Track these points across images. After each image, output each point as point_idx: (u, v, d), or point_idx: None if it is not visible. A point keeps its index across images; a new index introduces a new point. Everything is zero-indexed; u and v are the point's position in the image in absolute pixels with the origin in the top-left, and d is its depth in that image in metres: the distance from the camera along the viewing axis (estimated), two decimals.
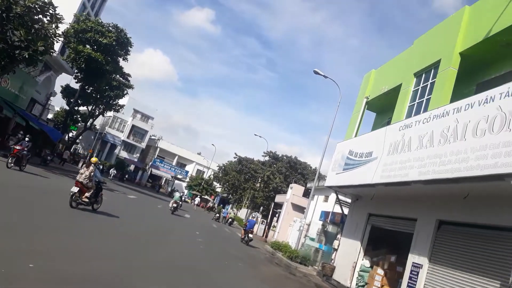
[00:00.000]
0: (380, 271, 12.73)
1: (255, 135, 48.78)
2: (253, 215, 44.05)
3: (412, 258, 10.65)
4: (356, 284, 13.58)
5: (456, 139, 8.72)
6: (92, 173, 12.02)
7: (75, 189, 11.42)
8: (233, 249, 16.82)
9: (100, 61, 31.44)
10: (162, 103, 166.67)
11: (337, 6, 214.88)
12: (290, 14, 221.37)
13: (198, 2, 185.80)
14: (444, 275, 9.46)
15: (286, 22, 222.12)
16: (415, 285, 10.08)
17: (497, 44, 10.01)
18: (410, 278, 10.38)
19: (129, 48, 34.96)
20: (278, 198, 38.58)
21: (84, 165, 12.75)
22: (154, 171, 71.39)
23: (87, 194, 11.83)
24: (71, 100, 36.56)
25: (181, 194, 31.09)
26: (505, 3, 9.52)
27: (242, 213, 53.51)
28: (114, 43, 32.77)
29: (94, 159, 12.89)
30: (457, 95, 10.84)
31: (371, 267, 13.39)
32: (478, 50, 10.58)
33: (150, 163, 71.75)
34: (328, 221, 20.26)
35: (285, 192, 37.87)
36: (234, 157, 56.56)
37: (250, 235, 21.94)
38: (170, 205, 24.79)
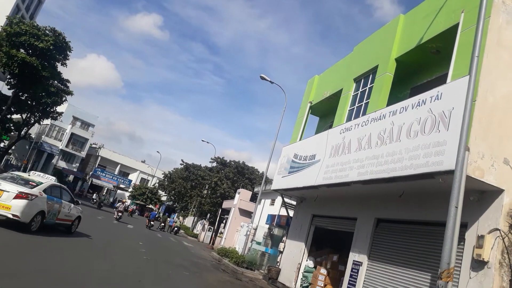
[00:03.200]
0: (323, 270, 13.02)
1: (203, 141, 48.27)
2: (200, 223, 43.43)
3: (352, 256, 11.02)
4: (301, 285, 13.77)
5: (392, 141, 9.16)
6: None
7: None
8: (178, 258, 16.37)
9: (36, 66, 29.50)
10: (105, 110, 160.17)
11: (282, 13, 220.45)
12: (236, 21, 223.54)
13: (144, 7, 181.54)
14: (382, 271, 9.87)
15: (233, 28, 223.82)
16: (356, 282, 10.44)
17: (428, 50, 10.70)
18: (351, 276, 10.73)
19: (68, 52, 33.08)
20: (226, 204, 38.36)
21: None
22: (95, 181, 68.08)
23: None
24: (3, 107, 33.84)
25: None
26: (435, 12, 10.22)
27: (189, 221, 52.53)
28: (51, 47, 30.80)
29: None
30: (393, 99, 11.42)
31: (315, 267, 13.66)
32: (412, 56, 11.24)
33: (90, 173, 68.33)
34: (274, 224, 20.43)
35: (232, 198, 37.74)
36: (181, 164, 55.56)
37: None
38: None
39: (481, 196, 7.75)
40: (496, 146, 7.55)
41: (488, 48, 7.85)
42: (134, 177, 75.65)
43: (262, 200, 27.29)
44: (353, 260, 10.90)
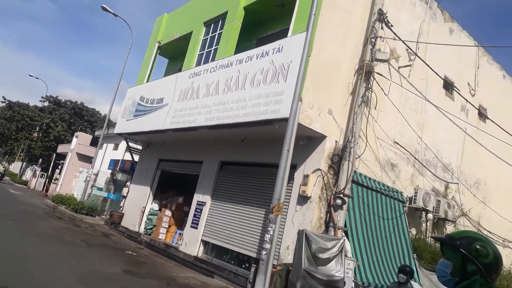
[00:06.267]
0: (168, 212, 13.32)
1: (31, 76, 41.18)
2: (31, 168, 38.66)
3: (197, 197, 11.56)
4: (145, 227, 13.85)
5: (238, 88, 9.55)
6: None
7: None
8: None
9: None
10: None
11: None
12: None
13: None
14: (223, 209, 10.67)
15: None
16: (199, 220, 11.07)
17: (274, 3, 11.18)
18: (194, 215, 11.30)
19: None
20: (61, 149, 34.72)
21: None
22: None
23: None
24: None
25: None
26: None
27: (16, 166, 46.22)
28: None
29: None
30: (241, 47, 11.73)
31: (160, 209, 13.85)
32: (259, 7, 11.58)
33: None
34: (118, 170, 19.60)
35: (69, 142, 34.37)
36: (2, 102, 47.15)
37: None
38: None
39: (308, 141, 8.86)
40: (323, 98, 8.61)
41: (324, 8, 8.63)
42: None
43: (104, 145, 25.69)
44: (197, 201, 11.44)
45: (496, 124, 11.88)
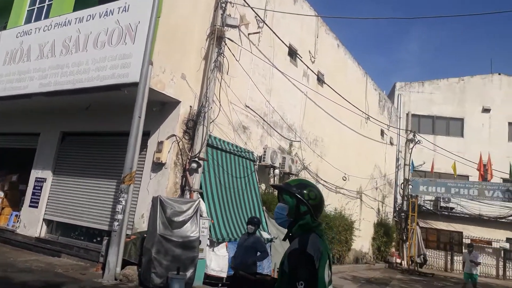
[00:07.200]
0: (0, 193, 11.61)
1: None
2: None
3: (35, 174, 10.33)
4: None
5: (78, 50, 8.66)
6: None
7: None
8: None
9: None
10: None
11: None
12: None
13: None
14: (69, 184, 9.80)
15: None
16: (39, 199, 9.98)
17: None
18: (33, 194, 10.16)
19: None
20: None
21: None
22: None
23: None
24: None
25: None
26: None
27: None
28: None
29: None
30: (80, 4, 10.49)
31: None
32: None
33: None
34: None
35: None
36: None
37: None
38: None
39: (162, 107, 8.63)
40: (175, 62, 8.40)
41: None
42: None
43: None
44: (36, 177, 10.25)
45: (331, 88, 13.53)
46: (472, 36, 67.25)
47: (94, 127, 9.60)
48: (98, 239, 8.81)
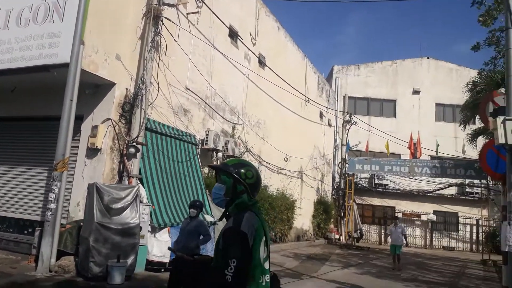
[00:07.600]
0: None
1: None
2: None
3: None
4: None
5: (0, 28, 7.91)
6: None
7: None
8: None
9: None
10: None
11: None
12: None
13: None
14: None
15: None
16: None
17: None
18: None
19: None
20: None
21: None
22: None
23: None
24: None
25: None
26: None
27: None
28: None
29: None
30: None
31: None
32: None
33: None
34: None
35: None
36: None
37: None
38: None
39: (96, 89, 8.21)
40: (109, 42, 7.98)
41: None
42: None
43: None
44: None
45: (272, 70, 13.66)
46: (405, 21, 71.05)
47: (21, 111, 8.91)
48: (30, 230, 8.31)
